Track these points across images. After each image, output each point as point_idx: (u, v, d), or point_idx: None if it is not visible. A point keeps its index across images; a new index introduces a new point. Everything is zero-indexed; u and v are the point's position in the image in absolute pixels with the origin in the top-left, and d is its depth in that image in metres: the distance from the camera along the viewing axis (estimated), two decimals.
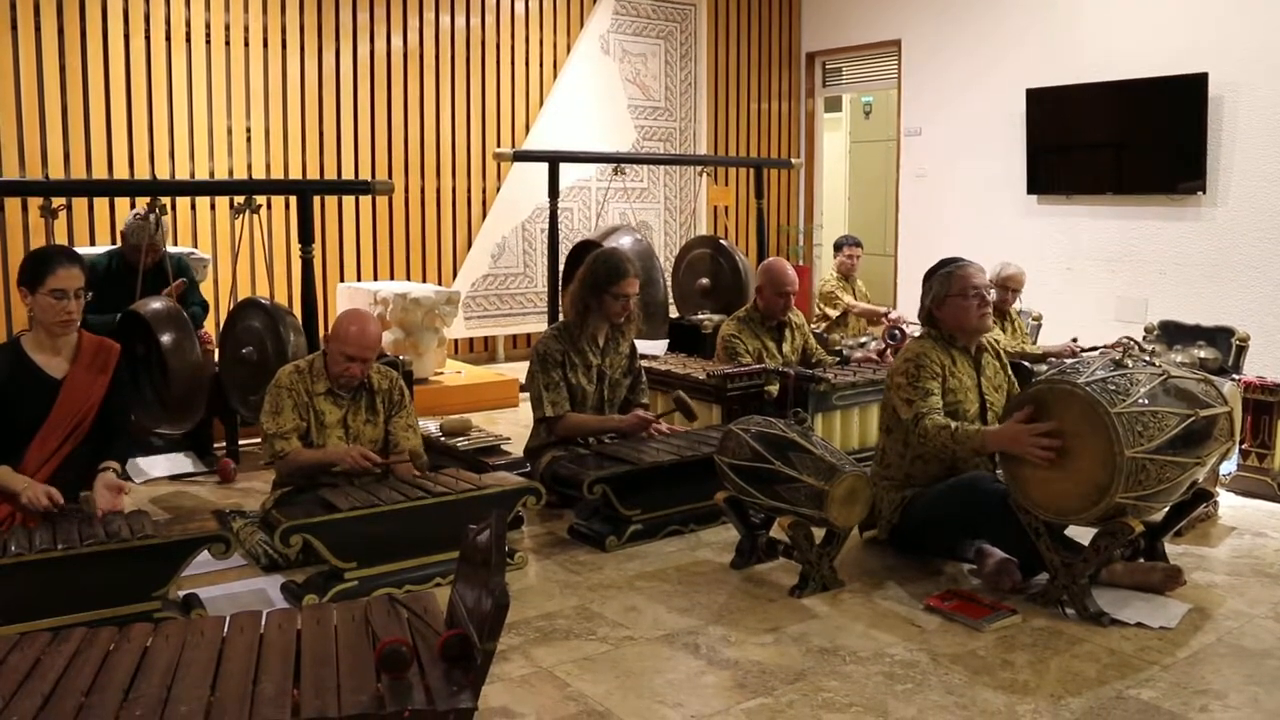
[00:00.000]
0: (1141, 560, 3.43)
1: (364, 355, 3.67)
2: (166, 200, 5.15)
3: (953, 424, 3.42)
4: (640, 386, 4.47)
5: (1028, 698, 2.68)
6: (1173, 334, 5.76)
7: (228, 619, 2.40)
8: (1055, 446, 3.08)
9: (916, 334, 3.88)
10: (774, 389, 4.72)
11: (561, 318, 4.44)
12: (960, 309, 3.60)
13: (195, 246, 6.57)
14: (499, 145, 8.01)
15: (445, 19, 7.79)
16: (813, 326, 5.89)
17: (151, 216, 4.91)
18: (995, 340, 3.96)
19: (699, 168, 8.41)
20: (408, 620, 2.32)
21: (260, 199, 5.02)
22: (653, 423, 4.25)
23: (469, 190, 8.01)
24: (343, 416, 3.75)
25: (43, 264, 3.36)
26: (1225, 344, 5.50)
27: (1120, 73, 7.26)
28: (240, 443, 5.12)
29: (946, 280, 3.63)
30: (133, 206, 5.21)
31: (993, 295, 3.76)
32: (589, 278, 4.24)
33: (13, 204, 6.15)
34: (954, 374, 3.61)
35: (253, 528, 3.80)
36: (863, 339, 6.48)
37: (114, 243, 5.89)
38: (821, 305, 7.35)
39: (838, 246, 7.55)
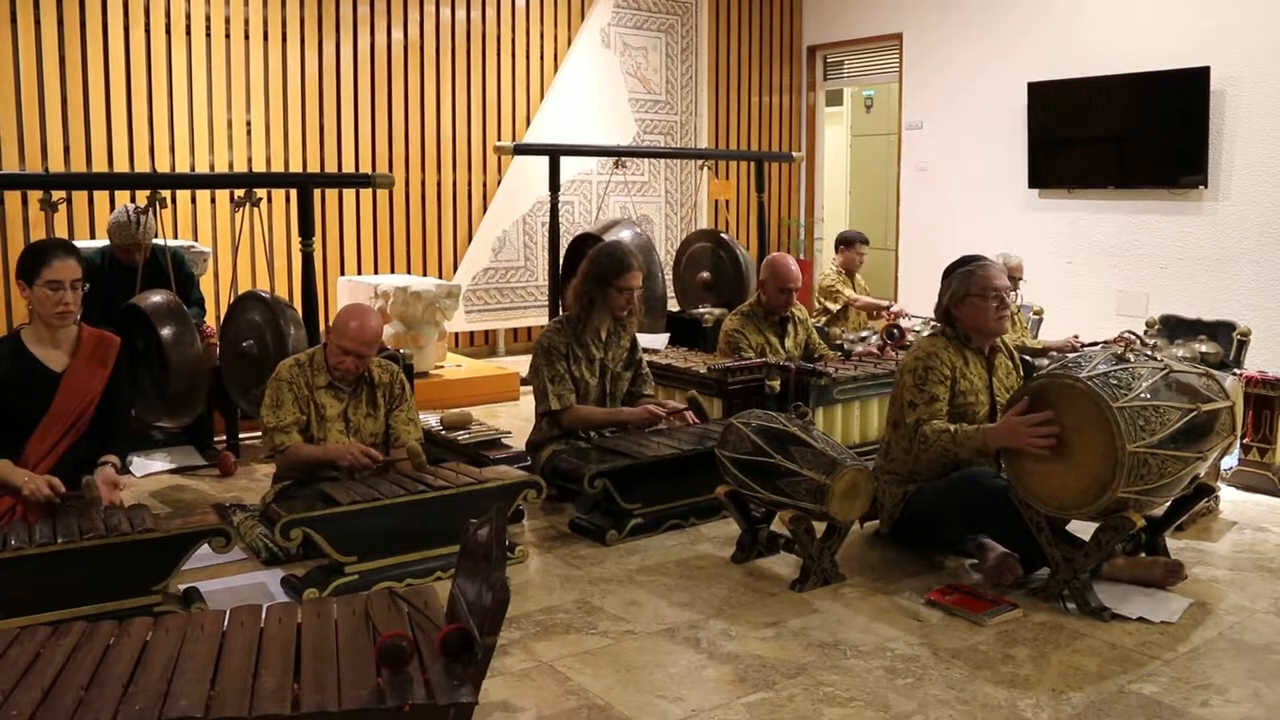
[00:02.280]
0: (1143, 555, 3.43)
1: (361, 351, 3.66)
2: (166, 193, 5.11)
3: (953, 427, 3.40)
4: (642, 377, 4.45)
5: (1029, 692, 2.68)
6: (1174, 328, 5.76)
7: (228, 613, 2.39)
8: (1053, 433, 3.08)
9: (919, 330, 3.87)
10: (775, 383, 4.72)
11: (563, 311, 4.43)
12: (978, 309, 3.56)
13: (195, 240, 6.56)
14: (499, 138, 8.00)
15: (445, 12, 7.77)
16: (813, 320, 5.89)
17: (131, 216, 4.89)
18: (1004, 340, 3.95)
19: (700, 161, 8.40)
20: (408, 614, 2.31)
21: (260, 192, 5.01)
22: (663, 418, 4.22)
23: (469, 183, 8.00)
24: (343, 410, 3.74)
25: (39, 256, 3.37)
26: (1226, 338, 5.50)
27: (1122, 66, 7.24)
28: (240, 436, 5.12)
29: (967, 279, 3.59)
30: (133, 199, 5.18)
31: (1010, 297, 3.73)
32: (593, 271, 4.22)
33: (12, 197, 6.14)
34: (965, 375, 3.58)
35: (253, 521, 3.80)
36: (863, 333, 6.48)
37: None
38: (822, 299, 7.33)
39: (849, 243, 7.33)
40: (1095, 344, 5.49)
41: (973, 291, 3.57)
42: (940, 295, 3.68)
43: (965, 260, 3.67)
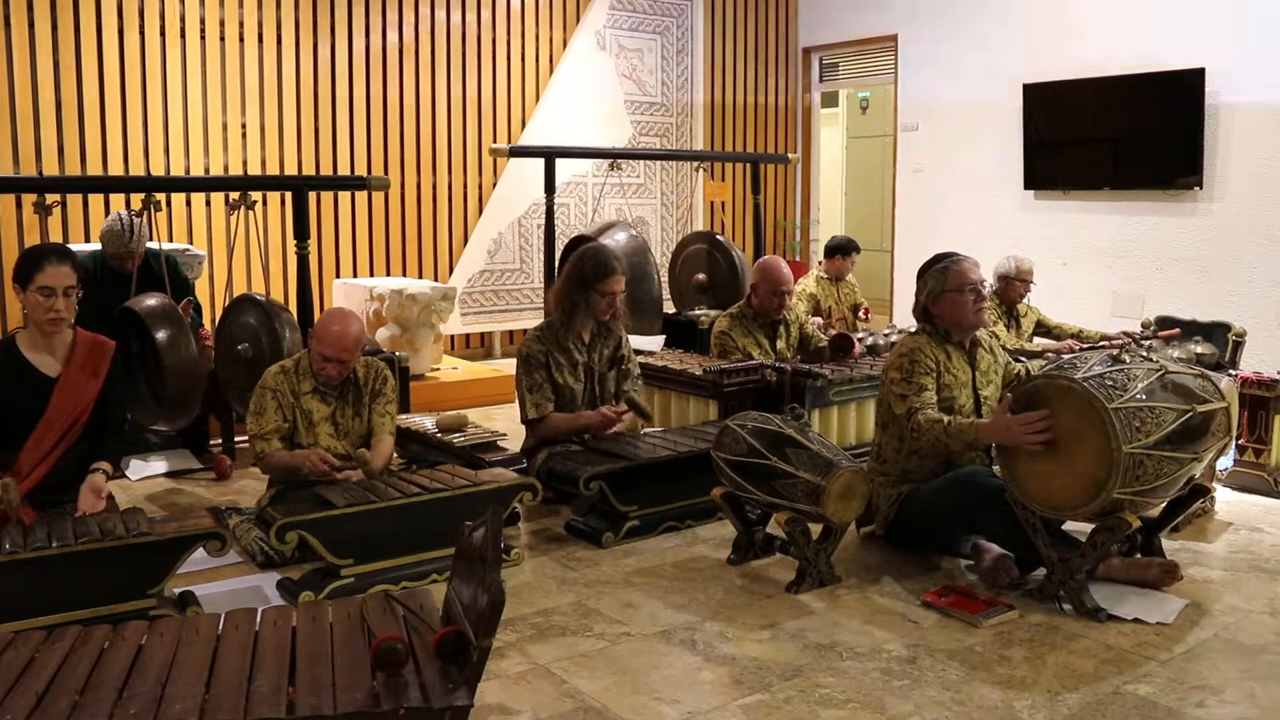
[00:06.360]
0: (1138, 556, 3.43)
1: (341, 357, 3.64)
2: (161, 196, 5.10)
3: (946, 418, 3.42)
4: (623, 373, 4.39)
5: (1025, 693, 2.68)
6: (1169, 329, 5.77)
7: (223, 616, 2.39)
8: (1046, 430, 3.08)
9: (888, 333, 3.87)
10: (774, 376, 4.72)
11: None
12: (956, 305, 3.59)
13: (190, 243, 6.55)
14: (495, 141, 8.00)
15: (441, 14, 7.77)
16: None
17: (124, 224, 4.88)
18: (994, 335, 3.96)
19: (695, 163, 8.40)
20: (403, 617, 2.31)
21: (255, 195, 5.00)
22: (615, 419, 4.18)
23: (465, 186, 8.00)
24: (331, 414, 3.74)
25: (33, 261, 3.36)
26: (1222, 339, 5.51)
27: (1117, 68, 7.25)
28: (236, 440, 5.11)
29: (942, 276, 3.63)
30: (127, 204, 5.17)
31: (987, 290, 3.75)
32: (576, 274, 4.22)
33: (6, 200, 6.13)
34: (949, 369, 3.61)
35: (248, 524, 3.80)
36: (859, 335, 6.46)
37: None
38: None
39: (845, 251, 6.84)
40: (1094, 348, 5.50)
41: (949, 287, 3.60)
42: (917, 294, 3.72)
43: (939, 258, 3.71)
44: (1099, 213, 7.58)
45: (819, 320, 6.14)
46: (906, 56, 8.81)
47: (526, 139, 8.07)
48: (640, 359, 4.81)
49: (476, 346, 8.27)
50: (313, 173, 7.23)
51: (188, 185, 6.62)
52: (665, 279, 7.41)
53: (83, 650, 2.20)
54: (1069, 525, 3.40)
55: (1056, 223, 7.82)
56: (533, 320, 8.07)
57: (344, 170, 7.39)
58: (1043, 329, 5.99)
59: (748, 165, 8.13)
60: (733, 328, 5.07)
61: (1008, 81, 7.89)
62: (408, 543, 3.36)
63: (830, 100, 10.59)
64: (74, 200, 6.41)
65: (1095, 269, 7.62)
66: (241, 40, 6.95)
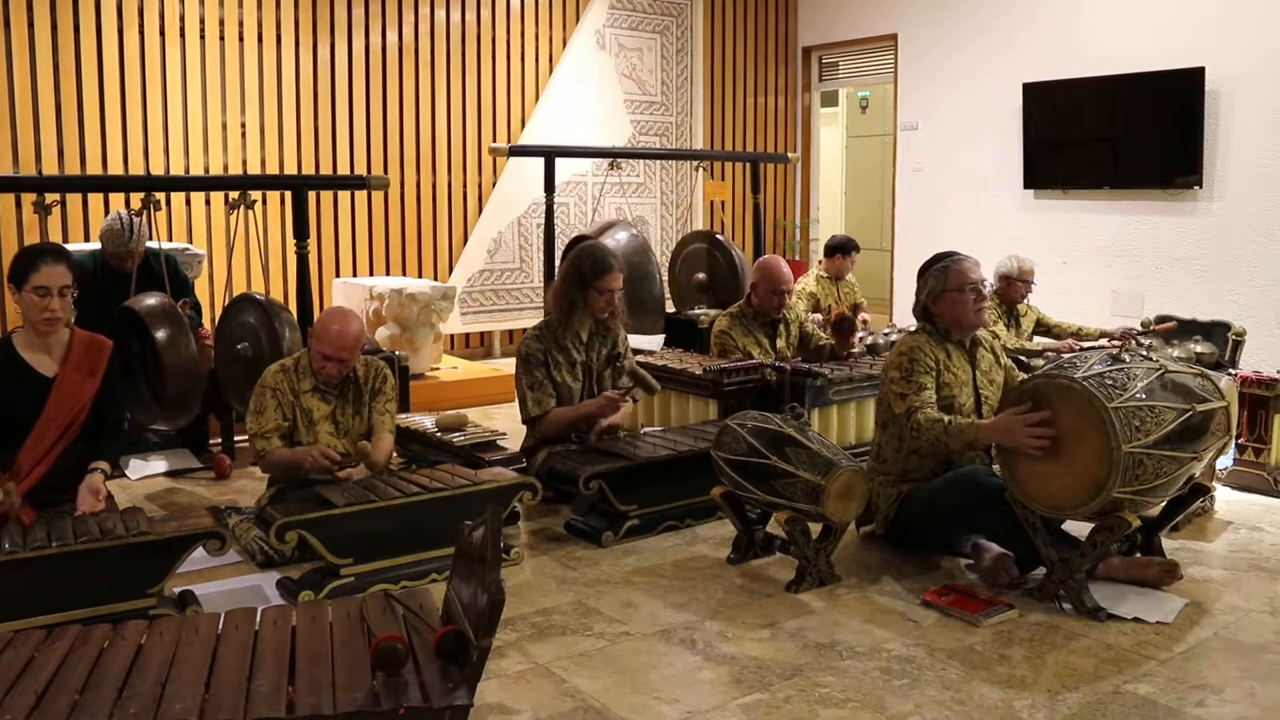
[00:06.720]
0: (1138, 555, 3.43)
1: (341, 356, 3.64)
2: (161, 196, 5.09)
3: (946, 418, 3.41)
4: (617, 370, 4.40)
5: (1025, 693, 2.68)
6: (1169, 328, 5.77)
7: (223, 616, 2.39)
8: (1049, 435, 3.08)
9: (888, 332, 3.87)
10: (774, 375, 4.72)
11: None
12: (957, 304, 3.59)
13: (190, 243, 6.55)
14: (495, 140, 8.00)
15: (441, 13, 7.77)
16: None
17: (124, 224, 4.88)
18: (995, 334, 3.96)
19: (695, 163, 8.40)
20: (403, 616, 2.31)
21: (255, 194, 5.00)
22: (619, 400, 4.20)
23: (465, 185, 8.00)
24: (331, 412, 3.74)
25: (28, 261, 3.36)
26: (1221, 338, 5.51)
27: (1117, 67, 7.25)
28: (236, 439, 5.10)
29: (942, 275, 3.62)
30: (127, 203, 5.17)
31: (988, 289, 3.75)
32: (574, 272, 4.22)
33: (6, 200, 6.13)
34: (949, 368, 3.61)
35: (248, 524, 3.80)
36: (859, 334, 6.46)
37: None
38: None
39: (845, 251, 6.87)
40: (1095, 348, 5.50)
41: (949, 286, 3.60)
42: (917, 294, 3.71)
43: (939, 257, 3.70)
44: (1099, 212, 7.58)
45: (818, 317, 6.14)
46: (906, 56, 8.81)
47: (526, 138, 8.07)
48: (640, 358, 4.80)
49: (476, 346, 8.27)
50: (313, 172, 7.23)
51: (188, 185, 6.61)
52: (665, 278, 7.41)
53: (82, 650, 2.20)
54: (1069, 525, 3.39)
55: (1056, 222, 7.82)
56: (532, 320, 8.06)
57: (344, 170, 7.38)
58: (1042, 327, 5.99)
59: (747, 165, 8.13)
60: (733, 327, 5.07)
61: (1007, 80, 7.89)
62: (407, 542, 3.36)
63: (830, 100, 10.60)
64: (74, 200, 6.41)
65: (1095, 268, 7.62)
66: (241, 40, 6.95)
